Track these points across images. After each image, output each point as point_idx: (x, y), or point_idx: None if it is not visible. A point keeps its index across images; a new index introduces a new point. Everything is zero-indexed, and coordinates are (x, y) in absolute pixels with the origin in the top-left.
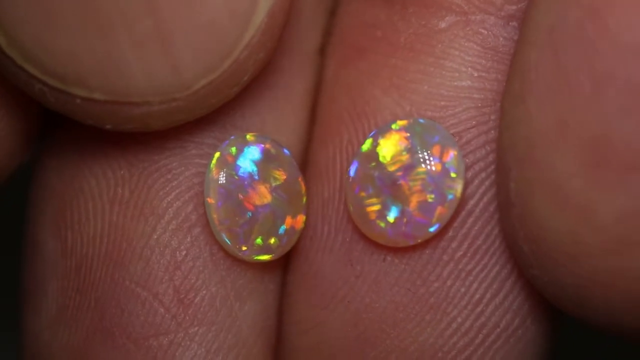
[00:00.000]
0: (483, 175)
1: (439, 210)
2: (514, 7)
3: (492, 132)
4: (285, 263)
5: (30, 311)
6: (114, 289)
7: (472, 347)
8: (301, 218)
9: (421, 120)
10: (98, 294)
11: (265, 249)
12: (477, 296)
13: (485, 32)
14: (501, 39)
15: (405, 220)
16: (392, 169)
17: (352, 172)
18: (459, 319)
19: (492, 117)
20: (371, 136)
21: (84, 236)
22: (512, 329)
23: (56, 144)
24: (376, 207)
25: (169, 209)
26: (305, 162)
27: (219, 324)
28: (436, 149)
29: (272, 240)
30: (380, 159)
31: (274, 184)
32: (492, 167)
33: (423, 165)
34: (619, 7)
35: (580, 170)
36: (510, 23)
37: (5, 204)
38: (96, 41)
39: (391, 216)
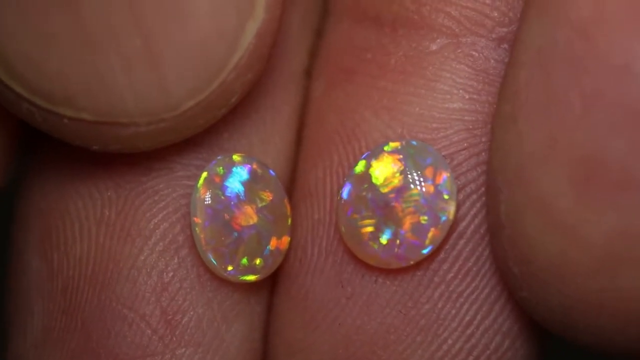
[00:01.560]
0: (474, 197)
1: (432, 232)
2: (505, 30)
3: (484, 154)
4: (271, 285)
5: (15, 332)
6: (101, 311)
7: None
8: (286, 239)
9: (414, 142)
10: (84, 315)
11: (250, 270)
12: (468, 318)
13: (476, 54)
14: (492, 61)
15: (398, 242)
16: (385, 190)
17: (344, 194)
18: (450, 341)
19: (484, 139)
20: (364, 158)
21: (70, 257)
22: (501, 351)
23: (42, 163)
24: (369, 229)
25: (156, 231)
26: (292, 184)
27: (205, 345)
28: (429, 171)
29: (258, 261)
30: (373, 180)
31: (260, 205)
32: (484, 189)
33: (416, 187)
34: (607, 26)
35: (570, 189)
36: (501, 45)
37: None
38: (84, 60)
39: (384, 238)
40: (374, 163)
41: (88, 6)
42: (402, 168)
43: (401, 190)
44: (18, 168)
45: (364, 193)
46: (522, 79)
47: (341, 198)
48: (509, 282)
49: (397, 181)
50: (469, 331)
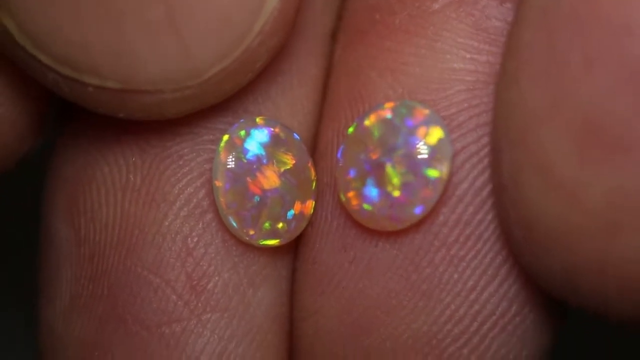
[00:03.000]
0: (475, 159)
1: (423, 191)
2: None
3: (484, 115)
4: (296, 250)
5: (44, 299)
6: (127, 277)
7: (467, 334)
8: (310, 204)
9: (407, 102)
10: (111, 281)
11: (272, 234)
12: (471, 283)
13: (478, 13)
14: (494, 20)
15: (389, 202)
16: (376, 151)
17: (339, 156)
18: (453, 306)
19: (484, 99)
20: (357, 119)
21: (97, 224)
22: (509, 317)
23: (69, 132)
24: (361, 191)
25: (181, 196)
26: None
27: (232, 310)
28: (421, 131)
29: (280, 225)
30: (365, 141)
31: (282, 169)
32: (484, 150)
33: (406, 147)
34: None
35: (571, 150)
36: (504, 4)
37: (19, 192)
38: (108, 29)
39: (376, 199)
40: (366, 123)
41: None
42: (392, 128)
43: (392, 150)
44: (46, 138)
45: (356, 154)
46: (526, 39)
47: (337, 160)
48: (512, 246)
49: (387, 141)
50: (472, 296)
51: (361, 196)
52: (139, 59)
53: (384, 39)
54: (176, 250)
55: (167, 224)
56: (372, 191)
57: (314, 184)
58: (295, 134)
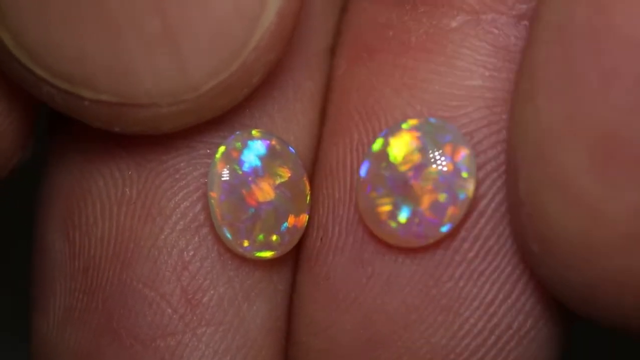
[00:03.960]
0: (495, 175)
1: (450, 210)
2: (524, 6)
3: (504, 131)
4: (294, 263)
5: (38, 312)
6: (122, 290)
7: (484, 348)
8: (304, 217)
9: (432, 120)
10: (105, 295)
11: (267, 246)
12: (490, 297)
13: (497, 31)
14: (512, 38)
15: (416, 220)
16: (403, 168)
17: (362, 172)
18: (472, 320)
19: (504, 116)
20: (382, 136)
21: (92, 237)
22: (524, 331)
23: (64, 144)
24: (387, 207)
25: (177, 210)
26: (315, 161)
27: (227, 324)
28: (448, 148)
29: (274, 238)
30: (391, 158)
31: (278, 182)
32: (503, 167)
33: (434, 165)
34: (626, 2)
35: (589, 167)
36: (521, 22)
37: (11, 203)
38: (104, 42)
39: (402, 216)
40: (392, 141)
41: None
42: (420, 146)
43: (419, 168)
44: (39, 150)
45: (382, 171)
46: (542, 56)
47: (359, 176)
48: (529, 260)
49: (415, 159)
50: (491, 310)
51: (388, 213)
52: (135, 73)
53: (399, 56)
54: (172, 264)
55: (163, 237)
56: (402, 209)
57: (308, 198)
58: (290, 147)
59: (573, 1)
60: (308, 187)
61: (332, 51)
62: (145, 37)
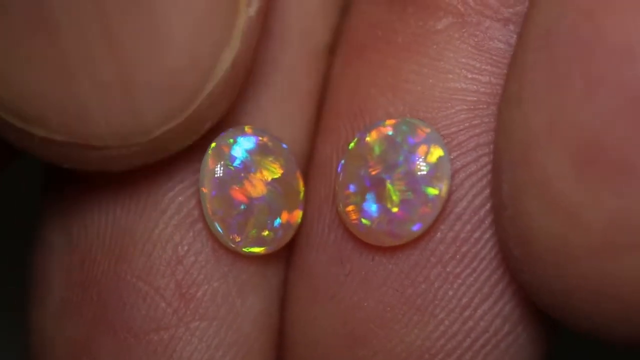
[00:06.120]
0: (474, 178)
1: (422, 209)
2: (510, 10)
3: (484, 135)
4: (287, 259)
5: (35, 303)
6: (117, 284)
7: (459, 350)
8: (297, 213)
9: (410, 120)
10: (101, 288)
11: (258, 241)
12: (465, 300)
13: (481, 34)
14: (497, 41)
15: (388, 218)
16: (376, 167)
17: (339, 170)
18: (447, 322)
19: (484, 119)
20: (358, 135)
21: (89, 231)
22: (502, 335)
23: None
24: (359, 206)
25: (172, 205)
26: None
27: (220, 319)
28: (422, 149)
29: (266, 233)
30: (366, 157)
31: (270, 178)
32: (483, 170)
33: (407, 165)
34: (614, 9)
35: (570, 172)
36: (507, 26)
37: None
38: (58, 83)
39: (374, 214)
40: (367, 140)
41: (65, 31)
42: (393, 145)
43: (392, 167)
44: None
45: (356, 170)
46: (529, 60)
47: (338, 175)
48: (510, 264)
49: (388, 158)
50: (466, 313)
51: (360, 211)
52: (88, 115)
53: (385, 56)
54: (166, 258)
55: (157, 232)
56: (372, 206)
57: (301, 195)
58: (283, 144)
59: (562, 7)
60: (302, 184)
61: (332, 50)
62: (100, 81)
